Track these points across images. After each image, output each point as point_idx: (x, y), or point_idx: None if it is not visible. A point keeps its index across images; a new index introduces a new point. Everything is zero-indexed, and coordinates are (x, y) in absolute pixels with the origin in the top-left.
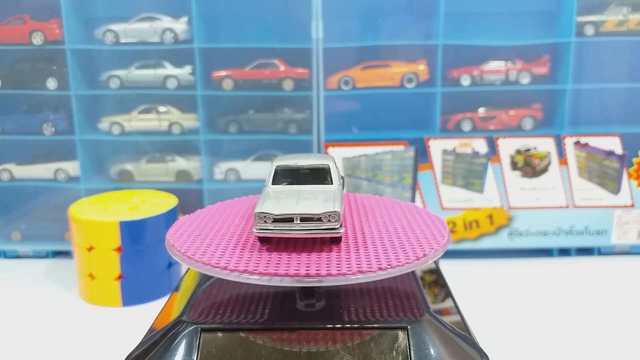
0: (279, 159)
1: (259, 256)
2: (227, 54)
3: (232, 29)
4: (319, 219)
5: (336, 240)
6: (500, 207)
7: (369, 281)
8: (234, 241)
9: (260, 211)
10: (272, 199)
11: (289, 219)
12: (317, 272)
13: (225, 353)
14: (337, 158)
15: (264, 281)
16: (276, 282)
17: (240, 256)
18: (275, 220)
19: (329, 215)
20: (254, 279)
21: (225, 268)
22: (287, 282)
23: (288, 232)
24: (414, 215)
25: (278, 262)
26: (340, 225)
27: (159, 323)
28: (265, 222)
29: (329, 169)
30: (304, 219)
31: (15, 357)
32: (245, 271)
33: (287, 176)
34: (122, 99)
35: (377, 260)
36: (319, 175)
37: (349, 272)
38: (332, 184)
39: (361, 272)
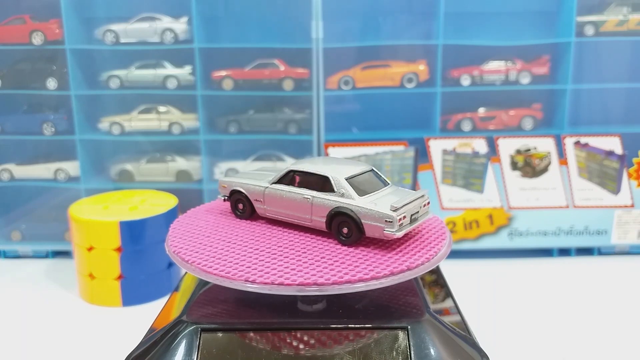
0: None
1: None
2: (227, 54)
3: (232, 29)
4: None
5: None
6: (500, 207)
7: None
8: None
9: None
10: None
11: None
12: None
13: (225, 353)
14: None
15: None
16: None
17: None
18: None
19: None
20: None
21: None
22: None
23: None
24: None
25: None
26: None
27: (159, 323)
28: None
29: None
30: None
31: (15, 357)
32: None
33: None
34: (122, 99)
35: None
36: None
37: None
38: (269, 183)
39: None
